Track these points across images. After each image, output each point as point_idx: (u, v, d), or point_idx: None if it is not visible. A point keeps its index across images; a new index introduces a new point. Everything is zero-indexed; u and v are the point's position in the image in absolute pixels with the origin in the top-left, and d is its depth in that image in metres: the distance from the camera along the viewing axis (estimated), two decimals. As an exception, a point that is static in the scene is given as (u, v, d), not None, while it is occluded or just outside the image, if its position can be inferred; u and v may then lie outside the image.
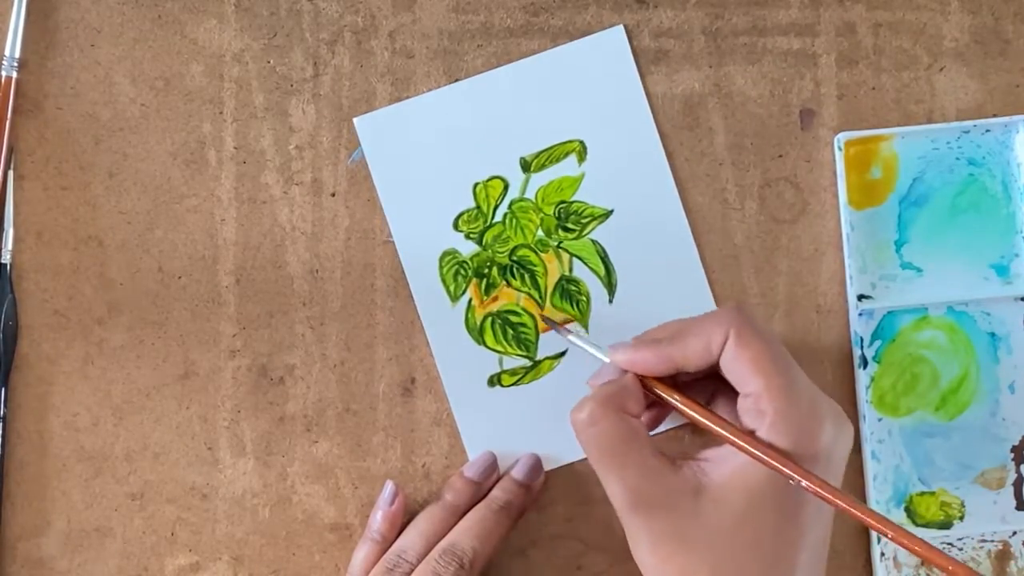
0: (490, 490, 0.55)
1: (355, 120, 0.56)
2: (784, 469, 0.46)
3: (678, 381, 0.51)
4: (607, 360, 0.51)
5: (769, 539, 0.47)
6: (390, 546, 0.53)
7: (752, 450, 0.47)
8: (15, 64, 0.55)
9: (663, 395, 0.50)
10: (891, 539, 0.45)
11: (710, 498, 0.47)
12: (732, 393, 0.49)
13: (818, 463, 0.47)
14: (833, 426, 0.48)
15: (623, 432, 0.48)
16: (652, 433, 0.55)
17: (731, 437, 0.48)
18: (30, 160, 0.56)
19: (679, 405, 0.49)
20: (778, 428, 0.47)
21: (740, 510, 0.47)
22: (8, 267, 0.55)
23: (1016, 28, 0.58)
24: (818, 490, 0.46)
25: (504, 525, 0.54)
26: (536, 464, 0.56)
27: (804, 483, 0.46)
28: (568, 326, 0.55)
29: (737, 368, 0.48)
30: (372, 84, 0.57)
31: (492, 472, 0.55)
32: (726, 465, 0.48)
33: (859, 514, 0.46)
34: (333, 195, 0.56)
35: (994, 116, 0.57)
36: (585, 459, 0.56)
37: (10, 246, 0.55)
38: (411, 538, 0.53)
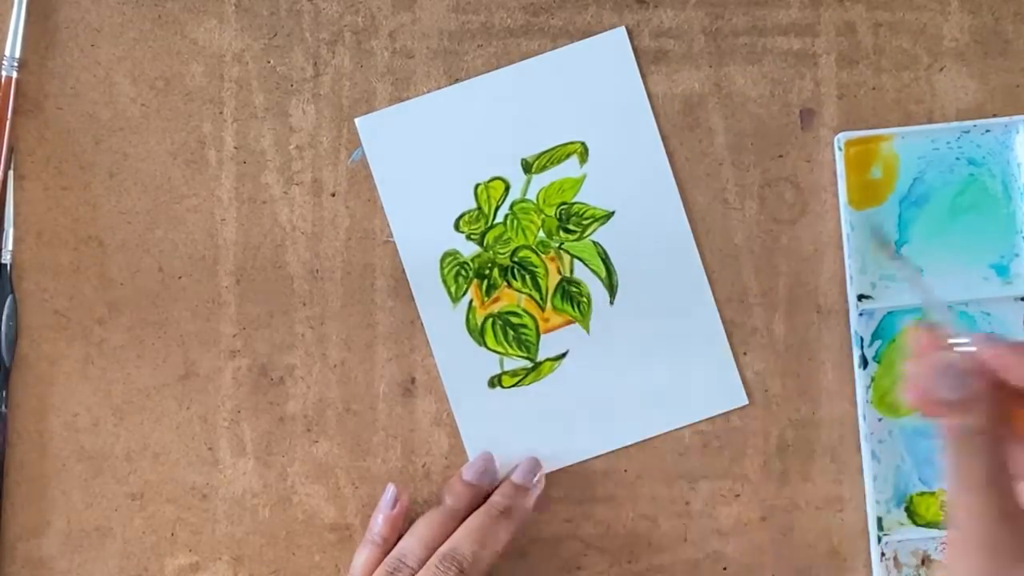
0: (491, 494, 0.55)
1: (356, 120, 0.56)
2: None
3: None
4: (966, 342, 0.40)
5: None
6: (391, 549, 0.53)
7: None
8: (15, 64, 0.55)
9: None
10: None
11: None
12: None
13: None
14: None
15: (998, 459, 0.39)
16: None
17: None
18: (30, 160, 0.56)
19: None
20: None
21: None
22: (8, 267, 0.55)
23: (1016, 28, 0.58)
24: None
25: (506, 530, 0.53)
26: (535, 467, 0.55)
27: None
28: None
29: None
30: (372, 84, 0.57)
31: (489, 473, 0.55)
32: None
33: None
34: (333, 195, 0.56)
35: (994, 116, 0.57)
36: (585, 460, 0.56)
37: (10, 246, 0.55)
38: (411, 543, 0.53)
